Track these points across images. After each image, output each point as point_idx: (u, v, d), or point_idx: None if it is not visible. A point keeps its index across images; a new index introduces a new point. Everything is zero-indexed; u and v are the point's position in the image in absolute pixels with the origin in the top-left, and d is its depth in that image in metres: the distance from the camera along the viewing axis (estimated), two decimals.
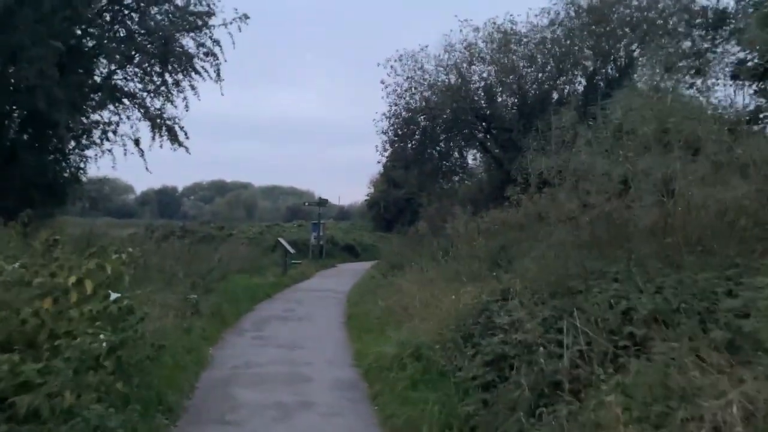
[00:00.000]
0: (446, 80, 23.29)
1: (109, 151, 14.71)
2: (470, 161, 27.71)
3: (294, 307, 13.32)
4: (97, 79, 14.51)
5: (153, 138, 14.94)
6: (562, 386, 4.16)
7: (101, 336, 3.72)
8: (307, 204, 28.04)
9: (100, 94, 13.40)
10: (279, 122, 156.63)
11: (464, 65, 23.04)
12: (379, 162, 27.50)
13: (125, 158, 15.62)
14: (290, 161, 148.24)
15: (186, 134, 15.72)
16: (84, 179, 15.07)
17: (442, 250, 12.61)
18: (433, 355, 6.30)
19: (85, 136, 13.65)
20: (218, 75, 15.54)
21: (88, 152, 14.32)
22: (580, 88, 22.93)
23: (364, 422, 5.68)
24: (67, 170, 13.78)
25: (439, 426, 4.88)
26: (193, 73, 15.24)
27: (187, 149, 15.93)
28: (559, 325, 4.84)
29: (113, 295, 4.29)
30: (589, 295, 4.82)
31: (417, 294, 10.00)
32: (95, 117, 13.90)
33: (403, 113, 23.89)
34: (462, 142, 24.96)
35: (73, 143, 13.89)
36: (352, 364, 8.02)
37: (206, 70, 15.49)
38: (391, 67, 23.46)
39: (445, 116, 23.57)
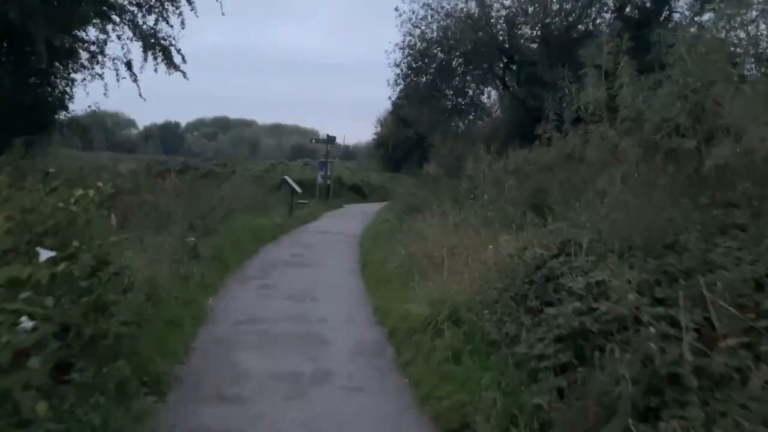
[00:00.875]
0: (465, 8, 21.60)
1: (99, 75, 13.32)
2: (486, 99, 26.23)
3: (302, 251, 12.25)
4: None
5: (145, 59, 13.52)
6: (682, 381, 3.05)
7: (22, 320, 2.55)
8: (314, 141, 26.74)
9: (83, 5, 11.88)
10: (283, 57, 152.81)
11: None
12: (389, 98, 25.97)
13: (118, 85, 14.28)
14: (294, 99, 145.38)
15: (183, 58, 14.28)
16: (71, 105, 13.69)
17: (466, 193, 11.43)
18: (477, 319, 5.20)
19: (69, 57, 12.20)
20: None
21: (76, 76, 12.91)
22: (609, 19, 21.21)
23: (397, 402, 4.63)
24: (50, 94, 12.41)
25: (498, 418, 3.81)
26: None
27: (184, 74, 14.53)
28: (659, 294, 3.71)
29: (43, 254, 3.07)
30: (704, 255, 3.66)
31: (443, 242, 8.87)
32: (80, 35, 12.40)
33: (419, 44, 22.29)
34: (480, 77, 23.38)
35: (57, 65, 12.48)
36: (374, 321, 6.97)
37: None
38: None
39: (462, 48, 21.97)
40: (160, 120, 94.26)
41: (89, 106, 13.80)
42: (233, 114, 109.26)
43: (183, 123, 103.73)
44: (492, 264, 6.30)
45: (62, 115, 13.45)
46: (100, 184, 4.60)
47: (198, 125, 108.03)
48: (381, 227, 14.05)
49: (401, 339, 5.83)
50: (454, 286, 6.50)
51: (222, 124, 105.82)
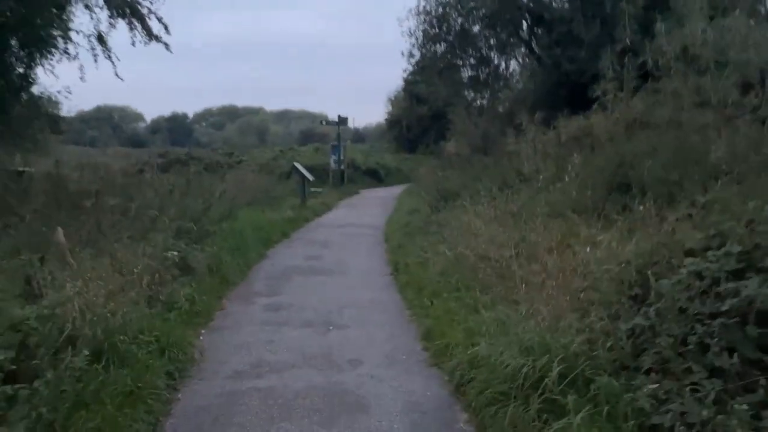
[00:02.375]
0: None
1: (66, 53, 11.22)
2: (505, 70, 23.93)
3: (319, 252, 10.25)
4: None
5: (111, 24, 11.42)
6: None
7: None
8: (324, 123, 24.68)
9: None
10: (286, 42, 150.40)
11: None
12: (404, 71, 23.70)
13: (96, 66, 12.25)
14: (300, 84, 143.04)
15: (166, 27, 12.18)
16: (34, 89, 11.63)
17: (515, 174, 9.37)
18: (617, 385, 3.17)
19: (21, 30, 10.16)
20: None
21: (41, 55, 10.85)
22: None
23: None
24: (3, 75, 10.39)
25: None
26: None
27: (166, 46, 12.44)
28: None
29: None
30: None
31: (502, 238, 6.84)
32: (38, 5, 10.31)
33: (435, 9, 20.09)
34: (503, 42, 21.10)
35: (12, 42, 10.46)
36: (427, 361, 4.97)
37: None
38: None
39: (483, 11, 19.75)
40: (167, 112, 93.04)
41: (58, 92, 11.86)
42: (240, 102, 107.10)
43: (190, 114, 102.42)
44: (603, 276, 4.27)
45: (24, 99, 11.39)
46: None
47: (205, 115, 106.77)
48: (409, 218, 12.00)
49: (480, 404, 3.81)
50: (542, 309, 4.49)
51: (229, 113, 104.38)
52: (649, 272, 3.84)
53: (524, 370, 3.51)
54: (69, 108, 16.09)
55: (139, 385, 4.01)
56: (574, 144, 10.10)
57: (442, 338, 5.12)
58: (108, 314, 4.53)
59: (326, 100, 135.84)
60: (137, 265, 6.24)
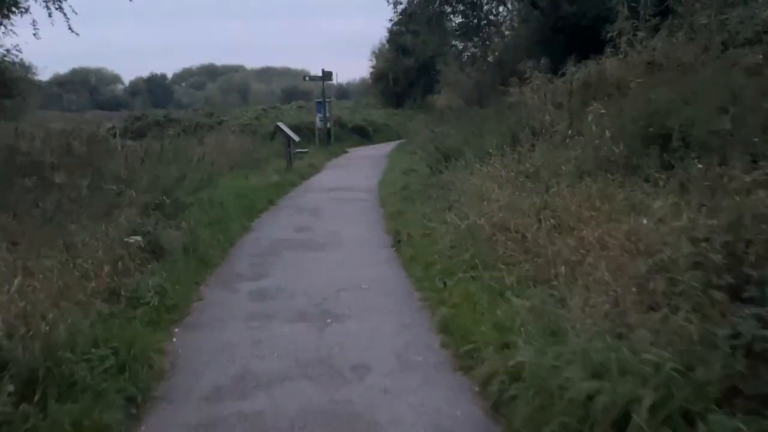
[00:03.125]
0: None
1: (16, 6, 9.91)
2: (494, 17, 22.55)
3: (309, 221, 9.28)
4: None
5: None
6: None
7: None
8: (307, 79, 23.25)
9: None
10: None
11: None
12: (390, 20, 22.23)
13: (51, 21, 10.96)
14: (280, 40, 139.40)
15: None
16: None
17: (525, 129, 8.35)
18: (722, 421, 2.29)
19: None
20: None
21: None
22: None
23: None
24: None
25: None
26: None
27: None
28: None
29: None
30: None
31: (521, 204, 5.90)
32: None
33: None
34: None
35: None
36: (450, 364, 4.07)
37: None
38: None
39: None
40: (145, 73, 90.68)
41: (7, 50, 10.64)
42: (220, 61, 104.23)
43: (169, 74, 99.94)
44: (677, 257, 3.36)
45: None
46: None
47: (185, 75, 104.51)
48: (406, 180, 10.97)
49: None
50: (594, 299, 3.58)
51: (209, 72, 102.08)
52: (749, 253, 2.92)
53: (600, 399, 2.59)
54: (42, 71, 14.78)
55: (86, 423, 3.08)
56: (587, 92, 9.08)
57: (464, 334, 4.21)
58: (48, 326, 3.56)
59: (308, 56, 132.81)
60: (96, 252, 5.27)
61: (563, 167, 6.33)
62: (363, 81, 59.16)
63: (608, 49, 9.42)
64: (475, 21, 20.39)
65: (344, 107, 37.31)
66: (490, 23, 20.88)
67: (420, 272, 5.98)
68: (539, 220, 5.52)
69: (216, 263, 6.80)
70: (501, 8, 20.33)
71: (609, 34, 9.63)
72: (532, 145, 7.83)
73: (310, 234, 8.34)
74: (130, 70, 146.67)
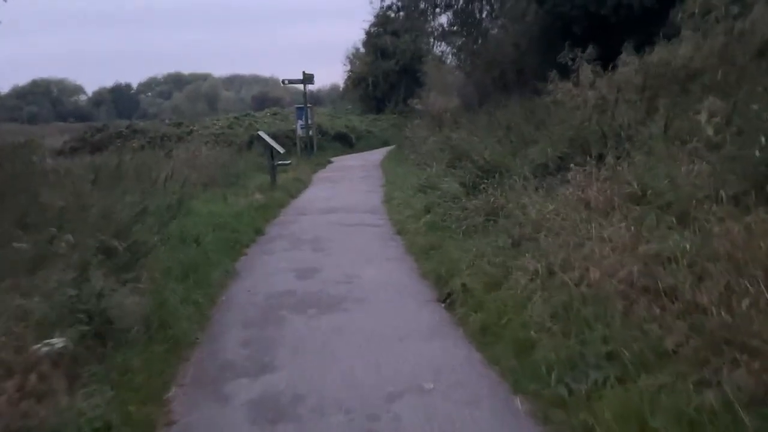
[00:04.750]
0: None
1: None
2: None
3: (313, 259, 7.14)
4: None
5: None
6: None
7: None
8: (287, 82, 21.07)
9: None
10: (225, 5, 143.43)
11: None
12: (373, 18, 20.09)
13: None
14: (247, 47, 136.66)
15: None
16: None
17: (599, 136, 6.34)
18: None
19: None
20: None
21: None
22: None
23: None
24: None
25: None
26: None
27: None
28: None
29: None
30: None
31: (652, 247, 3.88)
32: None
33: None
34: None
35: None
36: None
37: None
38: None
39: None
40: (109, 83, 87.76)
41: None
42: (187, 69, 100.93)
43: (135, 84, 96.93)
44: None
45: None
46: None
47: (151, 84, 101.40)
48: (427, 200, 8.78)
49: None
50: None
51: (176, 81, 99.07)
52: None
53: None
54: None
55: None
56: (662, 84, 7.15)
57: None
58: None
59: (276, 64, 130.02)
60: None
61: (694, 187, 4.32)
62: (334, 87, 57.20)
63: (685, 31, 7.49)
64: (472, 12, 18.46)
65: (322, 113, 35.14)
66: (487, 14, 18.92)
67: (511, 358, 3.89)
68: (698, 276, 3.53)
69: (192, 342, 4.63)
70: None
71: (680, 15, 7.72)
72: (617, 156, 5.83)
73: (318, 281, 6.19)
74: (94, 80, 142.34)
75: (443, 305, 5.28)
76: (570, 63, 8.87)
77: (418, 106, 22.53)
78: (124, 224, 6.07)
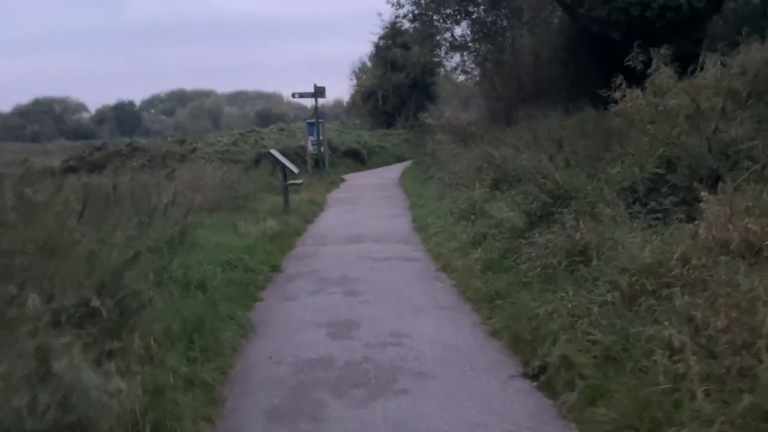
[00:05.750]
0: None
1: None
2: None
3: (345, 306, 5.78)
4: None
5: None
6: None
7: None
8: (297, 96, 19.81)
9: None
10: (228, 24, 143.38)
11: None
12: (397, 16, 18.74)
13: None
14: (250, 63, 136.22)
15: None
16: None
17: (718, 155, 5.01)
18: None
19: None
20: None
21: None
22: None
23: None
24: None
25: None
26: None
27: None
28: None
29: None
30: None
31: None
32: None
33: None
34: None
35: None
36: None
37: None
38: None
39: None
40: (112, 101, 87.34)
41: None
42: (190, 86, 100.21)
43: (138, 101, 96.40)
44: None
45: None
46: None
47: (154, 102, 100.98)
48: (474, 229, 7.42)
49: None
50: None
51: (179, 98, 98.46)
52: None
53: None
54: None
55: None
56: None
57: None
58: None
59: (279, 80, 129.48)
60: None
61: None
62: (337, 103, 56.13)
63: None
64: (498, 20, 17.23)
65: (330, 129, 33.92)
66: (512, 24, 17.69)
67: None
68: None
69: None
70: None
71: None
72: (734, 180, 4.49)
73: (359, 343, 4.83)
74: (97, 98, 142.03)
75: (534, 384, 3.93)
76: (640, 66, 7.58)
77: (428, 120, 21.36)
78: (112, 271, 4.75)
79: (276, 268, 7.47)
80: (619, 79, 7.60)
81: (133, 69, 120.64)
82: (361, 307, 5.75)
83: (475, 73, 20.21)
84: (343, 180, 19.46)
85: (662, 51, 7.39)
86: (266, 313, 5.79)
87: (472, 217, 7.84)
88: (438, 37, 19.19)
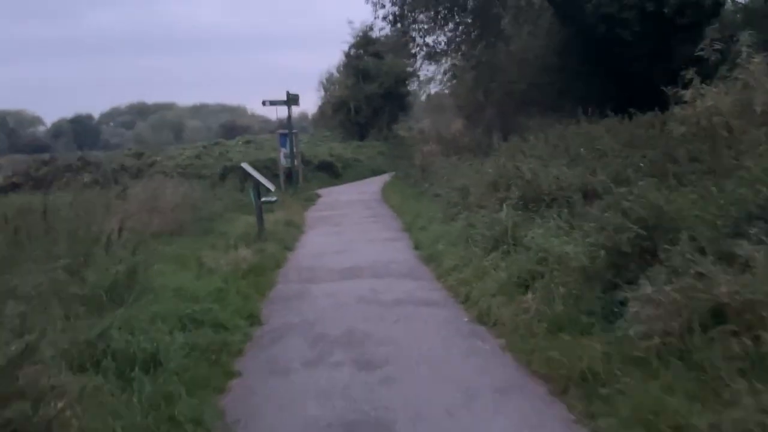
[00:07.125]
0: None
1: None
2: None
3: (364, 393, 3.99)
4: None
5: None
6: None
7: None
8: (268, 103, 17.88)
9: None
10: (187, 36, 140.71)
11: None
12: (376, 17, 17.07)
13: None
14: (212, 76, 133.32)
15: None
16: None
17: None
18: None
19: None
20: None
21: None
22: None
23: None
24: None
25: None
26: None
27: None
28: None
29: None
30: None
31: None
32: None
33: None
34: None
35: None
36: None
37: None
38: None
39: None
40: (69, 114, 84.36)
41: None
42: (151, 99, 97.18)
43: (96, 114, 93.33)
44: None
45: None
46: None
47: (113, 115, 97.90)
48: (518, 267, 5.71)
49: None
50: None
51: (139, 111, 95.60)
52: None
53: None
54: None
55: None
56: None
57: None
58: None
59: (243, 94, 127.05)
60: None
61: None
62: (302, 115, 54.32)
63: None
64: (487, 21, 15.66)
65: (300, 141, 32.11)
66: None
67: None
68: None
69: None
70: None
71: None
72: None
73: None
74: (54, 111, 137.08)
75: None
76: (717, 57, 6.04)
77: (400, 132, 19.82)
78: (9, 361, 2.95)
79: (255, 320, 5.64)
80: (689, 72, 6.02)
81: (92, 81, 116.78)
82: (385, 391, 3.98)
83: (454, 81, 18.71)
84: (318, 196, 17.66)
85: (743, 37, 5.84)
86: (245, 402, 3.96)
87: (504, 247, 6.15)
88: (414, 43, 17.60)
